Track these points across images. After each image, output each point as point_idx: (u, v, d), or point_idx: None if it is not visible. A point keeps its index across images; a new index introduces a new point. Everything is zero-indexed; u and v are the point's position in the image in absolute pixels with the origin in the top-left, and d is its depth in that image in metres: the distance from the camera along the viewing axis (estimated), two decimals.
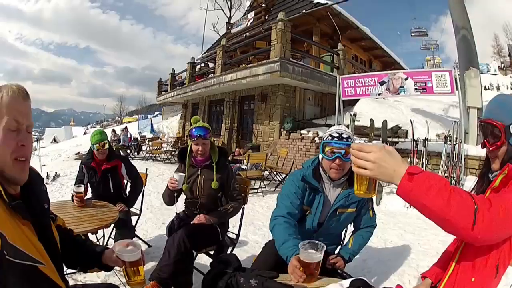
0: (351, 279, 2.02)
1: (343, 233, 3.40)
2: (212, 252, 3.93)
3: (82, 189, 4.30)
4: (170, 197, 3.90)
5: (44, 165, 14.88)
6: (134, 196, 5.11)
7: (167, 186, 3.77)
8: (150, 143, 19.85)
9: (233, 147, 18.02)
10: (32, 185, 1.61)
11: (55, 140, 36.98)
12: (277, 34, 14.67)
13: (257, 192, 10.15)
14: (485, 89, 13.42)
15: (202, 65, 24.67)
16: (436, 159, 10.13)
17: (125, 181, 5.24)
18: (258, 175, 10.88)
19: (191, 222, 3.71)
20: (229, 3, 39.62)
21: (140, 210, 5.48)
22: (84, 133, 46.23)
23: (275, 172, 12.02)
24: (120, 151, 17.99)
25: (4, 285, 1.33)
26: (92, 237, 4.61)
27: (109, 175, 4.95)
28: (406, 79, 10.92)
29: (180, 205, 4.13)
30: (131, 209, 5.19)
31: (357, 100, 15.47)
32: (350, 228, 3.36)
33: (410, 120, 10.41)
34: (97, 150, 4.82)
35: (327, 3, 18.81)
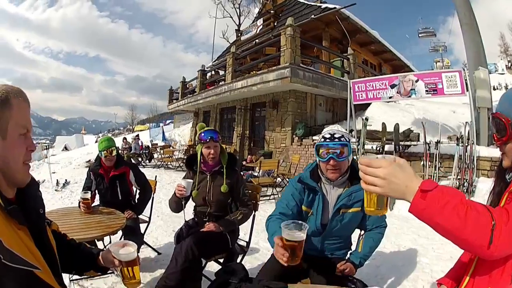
0: None
1: (352, 236, 3.24)
2: (222, 260, 3.83)
3: (88, 195, 4.27)
4: (177, 204, 3.81)
5: (54, 172, 14.98)
6: (143, 203, 5.06)
7: (174, 193, 3.69)
8: (162, 151, 19.78)
9: (245, 154, 17.98)
10: (28, 190, 1.59)
11: (66, 148, 37.22)
12: (286, 39, 14.58)
13: (269, 199, 10.01)
14: (494, 89, 13.28)
15: (213, 72, 24.63)
16: (449, 161, 10.01)
17: (134, 188, 5.20)
18: (270, 182, 10.79)
19: (201, 230, 3.61)
20: (238, 10, 39.55)
21: (149, 218, 5.42)
22: (96, 141, 46.45)
23: (287, 179, 11.85)
24: (132, 159, 18.09)
25: None
26: (99, 244, 4.53)
27: (117, 181, 4.90)
28: (416, 81, 10.81)
29: (189, 212, 4.05)
30: (141, 217, 5.14)
31: (369, 104, 15.35)
32: (359, 232, 3.25)
33: (422, 123, 10.31)
34: (105, 157, 4.79)
35: (335, 8, 18.69)
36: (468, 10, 11.97)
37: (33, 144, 1.52)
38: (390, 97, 11.68)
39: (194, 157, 3.96)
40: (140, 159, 19.43)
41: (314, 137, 14.17)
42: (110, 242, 4.55)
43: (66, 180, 12.43)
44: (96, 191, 4.97)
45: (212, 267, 4.16)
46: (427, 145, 9.75)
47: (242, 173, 11.72)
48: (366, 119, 11.91)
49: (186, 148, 21.62)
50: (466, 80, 9.95)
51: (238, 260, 3.91)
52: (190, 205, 4.03)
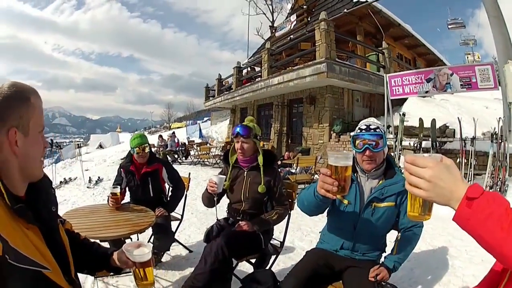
0: None
1: (386, 238, 3.09)
2: (254, 261, 3.70)
3: (118, 190, 4.24)
4: (209, 199, 3.71)
5: (87, 170, 15.21)
6: (175, 200, 4.97)
7: (206, 189, 3.59)
8: (198, 148, 19.79)
9: (283, 151, 17.85)
10: (40, 186, 1.58)
11: (101, 146, 37.65)
12: (320, 34, 14.38)
13: None
14: None
15: (249, 69, 24.54)
16: (483, 158, 9.71)
17: (166, 186, 5.12)
18: (308, 179, 10.62)
19: (233, 229, 3.49)
20: (270, 7, 39.56)
21: (182, 215, 5.33)
22: None
23: None
24: (168, 156, 18.19)
25: None
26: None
27: (149, 178, 4.83)
28: (451, 74, 10.59)
29: (222, 210, 3.94)
30: (173, 214, 5.06)
31: (405, 99, 15.08)
32: (394, 234, 3.08)
33: (458, 118, 10.00)
34: (137, 154, 4.73)
35: (367, 1, 18.49)
36: (494, 1, 11.60)
37: (46, 141, 1.59)
38: (426, 92, 11.51)
39: (230, 151, 3.86)
40: (176, 156, 19.50)
41: (352, 133, 13.84)
42: (138, 240, 4.47)
43: (99, 177, 12.56)
44: (127, 188, 4.92)
45: (244, 266, 4.05)
46: (463, 141, 9.46)
47: (279, 169, 11.62)
48: (404, 114, 11.67)
49: (223, 145, 21.60)
50: (498, 73, 9.65)
51: (271, 261, 3.78)
52: (225, 201, 3.93)
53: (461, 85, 10.32)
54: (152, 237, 4.64)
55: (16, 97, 1.39)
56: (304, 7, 24.42)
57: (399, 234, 2.96)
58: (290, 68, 16.29)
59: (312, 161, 11.04)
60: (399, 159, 10.53)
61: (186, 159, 20.01)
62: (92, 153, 30.74)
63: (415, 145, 11.05)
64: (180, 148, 20.07)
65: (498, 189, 8.25)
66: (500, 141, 8.67)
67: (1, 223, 1.26)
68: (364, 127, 2.81)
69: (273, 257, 3.85)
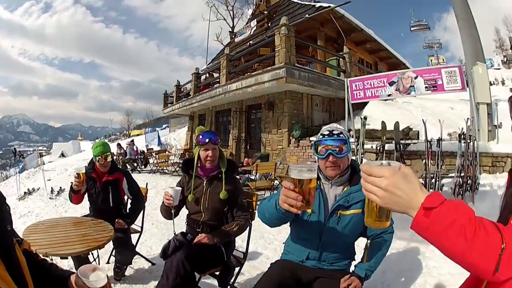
0: None
1: (355, 245, 3.02)
2: (218, 273, 3.59)
3: (83, 170, 4.30)
4: (167, 212, 3.56)
5: (49, 180, 14.89)
6: (135, 212, 4.86)
7: (163, 202, 3.43)
8: (157, 156, 19.56)
9: (241, 158, 17.83)
10: None
11: (63, 155, 37.03)
12: (281, 39, 14.42)
13: None
14: (491, 84, 13.18)
15: (207, 75, 24.41)
16: (450, 158, 9.87)
17: (126, 197, 5.01)
18: (268, 185, 10.59)
19: (193, 242, 3.38)
20: (231, 13, 39.68)
21: (142, 227, 5.21)
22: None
23: None
24: (127, 164, 17.92)
25: None
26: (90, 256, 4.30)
27: (110, 187, 4.70)
28: (415, 77, 10.65)
29: (181, 223, 3.85)
30: (133, 226, 4.93)
31: (366, 103, 15.22)
32: (363, 241, 3.01)
33: (422, 120, 10.08)
34: (99, 162, 4.62)
35: (329, 6, 18.63)
36: (464, 5, 11.80)
37: None
38: (389, 95, 11.54)
39: (191, 161, 3.72)
40: (135, 164, 19.14)
41: (312, 138, 13.96)
42: (98, 256, 4.30)
43: (60, 187, 12.18)
44: (87, 195, 4.78)
45: (209, 279, 3.93)
46: (428, 143, 9.53)
47: (239, 176, 11.55)
48: (365, 118, 11.71)
49: (182, 152, 21.41)
50: (466, 75, 9.80)
51: (235, 273, 3.68)
52: (184, 212, 3.80)
53: (426, 87, 10.40)
54: (114, 251, 4.55)
55: None
56: (265, 12, 24.47)
57: (369, 241, 2.89)
58: (248, 73, 16.29)
59: (272, 167, 10.99)
60: (361, 162, 10.54)
61: (145, 167, 19.62)
62: (55, 162, 30.12)
63: (378, 148, 11.10)
64: (139, 156, 19.75)
65: (469, 187, 8.33)
66: (468, 140, 8.77)
67: None
68: (326, 132, 2.72)
69: (237, 268, 3.75)
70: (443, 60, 41.88)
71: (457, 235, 1.06)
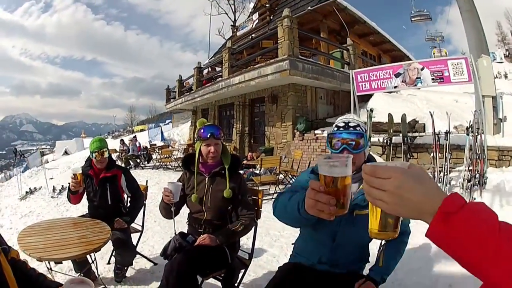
0: None
1: (369, 246, 2.77)
2: (221, 276, 3.36)
3: (80, 170, 4.15)
4: (166, 210, 3.38)
5: (52, 178, 14.89)
6: (134, 211, 4.69)
7: (162, 199, 3.25)
8: (160, 151, 19.42)
9: (245, 152, 17.69)
10: None
11: (66, 153, 36.93)
12: (283, 31, 14.24)
13: (272, 198, 9.51)
14: (494, 77, 13.02)
15: (209, 69, 24.28)
16: (456, 152, 9.71)
17: (125, 195, 4.82)
18: (273, 180, 10.40)
19: (195, 244, 3.16)
20: (232, 7, 39.47)
21: (142, 226, 5.04)
22: None
23: (290, 176, 11.56)
24: (130, 160, 17.84)
25: None
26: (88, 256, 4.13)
27: (107, 184, 4.53)
28: (422, 69, 10.59)
29: (183, 220, 3.67)
30: (133, 225, 4.79)
31: (370, 96, 15.03)
32: (380, 242, 2.81)
33: (429, 112, 9.92)
34: (96, 159, 4.46)
35: None
36: None
37: None
38: (395, 87, 11.46)
39: (192, 156, 3.51)
40: (138, 160, 19.08)
41: (316, 131, 13.86)
42: (95, 259, 4.12)
43: (62, 186, 12.08)
44: (85, 194, 4.61)
45: (212, 280, 3.76)
46: (436, 135, 9.33)
47: (243, 171, 11.38)
48: (371, 110, 11.56)
49: (185, 147, 21.25)
50: (473, 67, 9.63)
51: (240, 275, 3.48)
52: (186, 211, 3.61)
53: (432, 79, 10.33)
54: (114, 252, 4.39)
55: None
56: (267, 5, 24.29)
57: (384, 242, 2.70)
58: (251, 66, 16.11)
59: (277, 161, 10.80)
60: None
61: (148, 163, 19.61)
62: (58, 160, 30.07)
63: (385, 141, 10.98)
64: (142, 152, 19.66)
65: (477, 182, 8.19)
66: (476, 134, 8.59)
67: None
68: (342, 124, 2.45)
69: (241, 272, 3.54)
70: (445, 53, 41.37)
71: (478, 247, 0.85)
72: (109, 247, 4.00)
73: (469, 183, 8.13)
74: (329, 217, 1.35)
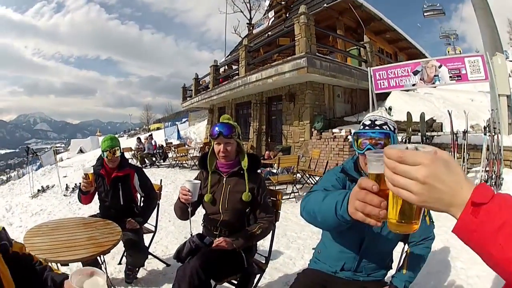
0: None
1: (393, 252, 2.62)
2: (236, 281, 3.20)
3: (91, 170, 4.02)
4: (182, 210, 3.15)
5: (65, 176, 14.84)
6: (147, 211, 4.54)
7: (179, 198, 3.02)
8: (176, 150, 19.37)
9: (262, 150, 17.55)
10: None
11: (81, 151, 37.22)
12: (300, 28, 14.09)
13: (289, 198, 9.42)
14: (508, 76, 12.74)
15: (226, 67, 24.23)
16: (473, 152, 9.50)
17: (138, 195, 4.69)
18: (290, 179, 10.22)
19: (209, 248, 2.96)
20: (248, 5, 39.31)
21: (155, 227, 4.91)
22: None
23: (308, 175, 11.39)
24: (145, 159, 17.83)
25: None
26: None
27: (119, 184, 4.39)
28: (439, 66, 10.43)
29: (198, 220, 3.44)
30: (146, 226, 4.67)
31: (388, 94, 14.92)
32: (403, 247, 2.67)
33: (448, 111, 9.78)
34: (107, 158, 4.31)
35: None
36: None
37: None
38: (413, 85, 11.36)
39: (207, 155, 3.32)
40: (154, 159, 19.07)
41: (334, 130, 13.63)
42: (105, 261, 4.00)
43: (75, 184, 12.02)
44: (97, 194, 4.49)
45: (226, 284, 3.61)
46: (454, 135, 9.13)
47: (259, 170, 11.23)
48: (390, 108, 11.39)
49: (201, 146, 21.19)
50: (489, 65, 9.46)
51: (255, 280, 3.30)
52: (201, 212, 3.44)
53: (450, 77, 10.20)
54: (125, 253, 4.31)
55: None
56: (282, 3, 24.21)
57: (408, 248, 2.55)
58: (268, 64, 15.97)
59: (295, 160, 10.63)
60: None
61: (164, 161, 19.60)
62: (72, 158, 30.39)
63: (404, 140, 10.78)
64: (157, 151, 19.62)
65: (494, 183, 8.11)
66: (493, 133, 8.39)
67: None
68: (368, 122, 2.27)
69: (257, 276, 3.37)
70: (459, 51, 40.84)
71: (508, 239, 0.75)
72: (120, 246, 3.88)
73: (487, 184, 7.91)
74: (376, 223, 1.10)
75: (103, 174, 4.38)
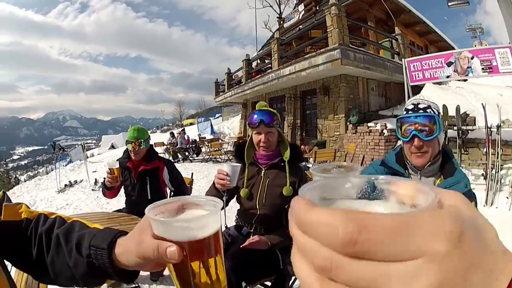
0: None
1: None
2: (270, 283, 2.95)
3: (116, 165, 3.94)
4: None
5: (95, 171, 14.98)
6: None
7: (213, 184, 2.75)
8: (209, 145, 19.44)
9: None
10: None
11: (113, 147, 37.46)
12: (332, 19, 13.90)
13: None
14: None
15: (258, 61, 24.09)
16: (504, 148, 9.04)
17: (167, 190, 4.46)
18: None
19: (241, 246, 2.68)
20: None
21: None
22: None
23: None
24: (178, 154, 17.84)
25: None
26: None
27: (147, 178, 4.19)
28: (472, 58, 10.11)
29: (231, 216, 3.17)
30: None
31: (421, 87, 14.48)
32: None
33: (482, 104, 9.38)
34: (132, 149, 4.10)
35: None
36: None
37: None
38: (448, 76, 11.04)
39: (244, 144, 3.05)
40: (186, 153, 19.12)
41: (369, 124, 13.40)
42: None
43: (104, 178, 12.02)
44: (123, 188, 4.38)
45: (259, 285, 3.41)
46: (488, 129, 8.79)
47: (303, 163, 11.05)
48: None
49: (235, 140, 21.07)
50: None
51: (290, 282, 3.01)
52: (235, 206, 3.24)
53: (482, 69, 9.93)
54: None
55: None
56: None
57: None
58: (302, 57, 15.76)
59: (331, 154, 10.44)
60: None
61: (197, 156, 19.58)
62: (104, 153, 30.72)
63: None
64: (190, 145, 19.59)
65: None
66: None
67: None
68: (411, 106, 2.12)
69: (292, 278, 3.04)
70: (486, 45, 39.92)
71: None
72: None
73: None
74: None
75: (129, 167, 4.21)
